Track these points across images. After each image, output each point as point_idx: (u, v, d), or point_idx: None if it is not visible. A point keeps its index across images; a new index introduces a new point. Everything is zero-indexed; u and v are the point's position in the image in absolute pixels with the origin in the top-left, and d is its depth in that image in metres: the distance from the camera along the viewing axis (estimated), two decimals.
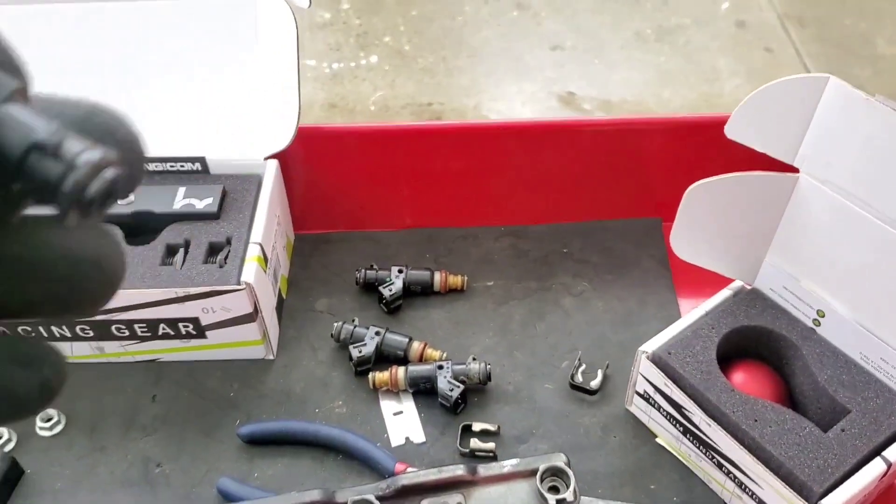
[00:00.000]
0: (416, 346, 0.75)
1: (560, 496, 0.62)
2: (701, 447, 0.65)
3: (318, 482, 0.68)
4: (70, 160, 0.17)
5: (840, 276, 0.64)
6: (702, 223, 0.67)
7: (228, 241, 0.73)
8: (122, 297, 0.69)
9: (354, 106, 1.32)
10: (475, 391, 0.74)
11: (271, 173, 0.78)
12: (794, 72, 1.34)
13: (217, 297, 0.69)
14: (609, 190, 0.87)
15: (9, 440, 0.71)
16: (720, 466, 0.63)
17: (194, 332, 0.73)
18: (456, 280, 0.82)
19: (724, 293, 0.71)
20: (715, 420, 0.62)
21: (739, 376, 0.67)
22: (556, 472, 0.64)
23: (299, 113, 0.77)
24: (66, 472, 0.69)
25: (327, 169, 0.85)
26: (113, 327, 0.72)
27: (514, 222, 0.89)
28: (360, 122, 1.25)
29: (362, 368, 0.75)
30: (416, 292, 0.82)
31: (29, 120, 0.17)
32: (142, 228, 0.75)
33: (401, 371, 0.73)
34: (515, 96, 1.33)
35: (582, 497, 0.64)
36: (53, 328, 0.72)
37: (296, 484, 0.68)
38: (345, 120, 1.28)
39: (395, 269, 0.81)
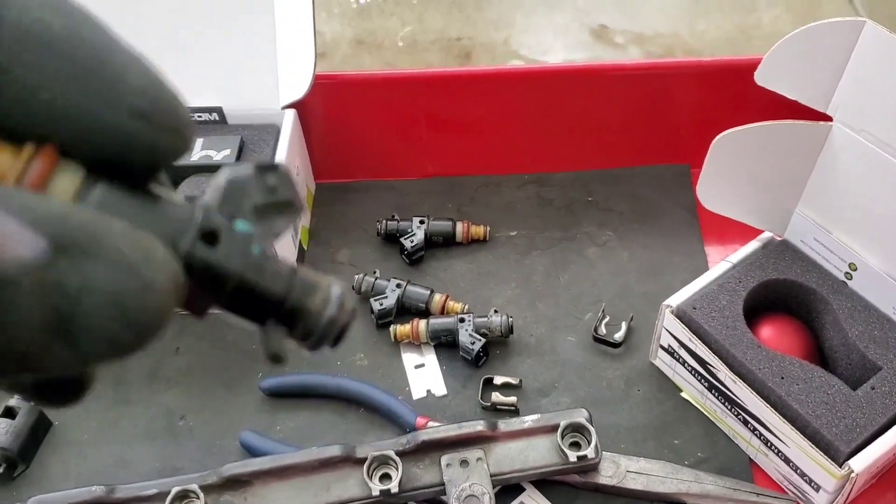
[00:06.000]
0: (438, 298, 0.75)
1: (581, 452, 0.61)
2: (726, 403, 0.63)
3: (340, 435, 0.68)
4: (325, 296, 0.22)
5: (873, 228, 0.61)
6: (730, 173, 0.65)
7: None
8: None
9: (382, 41, 1.28)
10: (497, 344, 0.73)
11: (289, 123, 0.76)
12: (836, 2, 1.29)
13: None
14: (636, 135, 0.84)
15: None
16: (745, 423, 0.62)
17: None
18: (478, 230, 0.81)
19: (753, 245, 0.68)
20: (741, 377, 0.61)
21: (767, 331, 0.65)
22: (577, 428, 0.63)
23: (315, 60, 0.75)
24: (92, 424, 0.70)
25: (347, 117, 0.83)
26: None
27: (538, 170, 0.87)
28: (388, 58, 1.21)
29: (384, 321, 0.74)
30: (438, 243, 0.81)
31: (280, 270, 0.22)
32: None
33: (422, 324, 0.72)
34: (546, 29, 1.29)
35: (604, 452, 0.64)
36: None
37: (317, 436, 0.68)
38: (372, 57, 1.24)
39: (416, 220, 0.80)
